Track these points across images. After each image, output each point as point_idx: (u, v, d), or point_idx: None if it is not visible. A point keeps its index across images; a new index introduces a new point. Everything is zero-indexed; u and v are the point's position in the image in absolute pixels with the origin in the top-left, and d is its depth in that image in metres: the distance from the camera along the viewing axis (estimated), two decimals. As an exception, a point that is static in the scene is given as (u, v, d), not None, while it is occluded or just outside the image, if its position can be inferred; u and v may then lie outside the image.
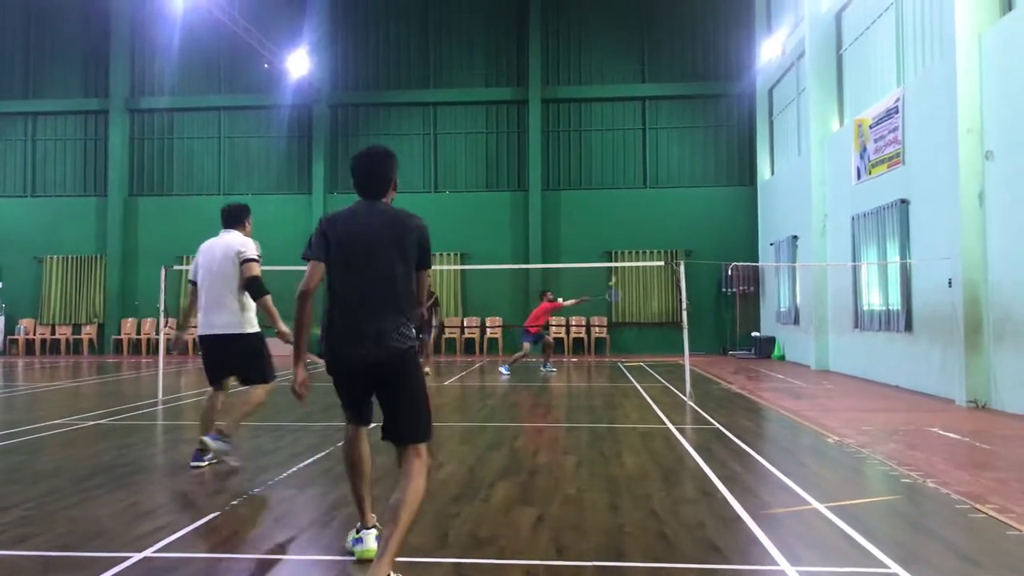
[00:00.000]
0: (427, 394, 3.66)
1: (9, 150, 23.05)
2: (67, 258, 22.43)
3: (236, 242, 5.97)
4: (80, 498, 5.06)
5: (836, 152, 15.12)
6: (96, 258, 22.43)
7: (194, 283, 6.10)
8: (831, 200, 15.43)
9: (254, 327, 5.98)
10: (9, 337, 21.98)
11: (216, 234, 6.16)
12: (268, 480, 5.54)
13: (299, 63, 20.30)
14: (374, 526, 3.86)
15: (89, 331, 22.07)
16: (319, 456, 6.48)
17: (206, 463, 5.94)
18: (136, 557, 3.84)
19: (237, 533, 4.32)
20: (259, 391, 5.97)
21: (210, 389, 6.12)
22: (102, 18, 22.59)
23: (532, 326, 15.21)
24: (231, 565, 3.85)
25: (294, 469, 5.95)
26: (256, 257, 5.96)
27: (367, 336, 3.53)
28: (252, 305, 5.96)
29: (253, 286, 5.86)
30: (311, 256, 3.75)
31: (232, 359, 5.96)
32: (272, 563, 3.85)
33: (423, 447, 3.54)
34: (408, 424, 3.55)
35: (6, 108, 22.88)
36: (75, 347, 22.05)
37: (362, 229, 3.77)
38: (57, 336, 22.09)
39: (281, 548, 4.09)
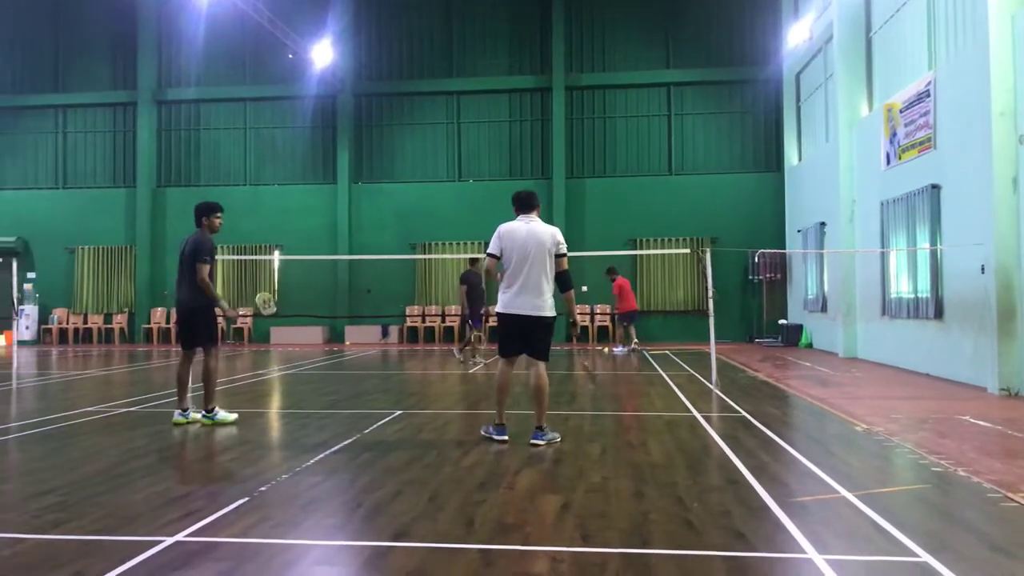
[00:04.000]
0: (205, 322, 7.57)
1: (41, 143, 23.43)
2: (98, 248, 22.79)
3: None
4: (113, 484, 5.16)
5: (865, 137, 14.89)
6: (126, 248, 22.77)
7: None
8: (860, 186, 15.21)
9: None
10: (43, 326, 22.42)
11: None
12: (296, 467, 5.61)
13: (323, 53, 20.38)
14: (188, 409, 7.61)
15: (120, 320, 22.45)
16: (346, 443, 6.54)
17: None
18: (168, 541, 3.91)
19: (266, 519, 4.37)
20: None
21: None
22: (129, 11, 22.84)
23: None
24: (260, 550, 3.90)
25: (321, 456, 6.01)
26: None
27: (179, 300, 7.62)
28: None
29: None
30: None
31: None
32: (301, 548, 3.90)
33: (212, 349, 7.59)
34: (202, 339, 7.56)
35: (37, 101, 23.26)
36: (107, 336, 22.44)
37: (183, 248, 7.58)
38: (89, 325, 22.49)
39: (309, 533, 4.14)
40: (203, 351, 7.58)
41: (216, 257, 7.69)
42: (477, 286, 14.03)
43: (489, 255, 6.48)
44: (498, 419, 6.63)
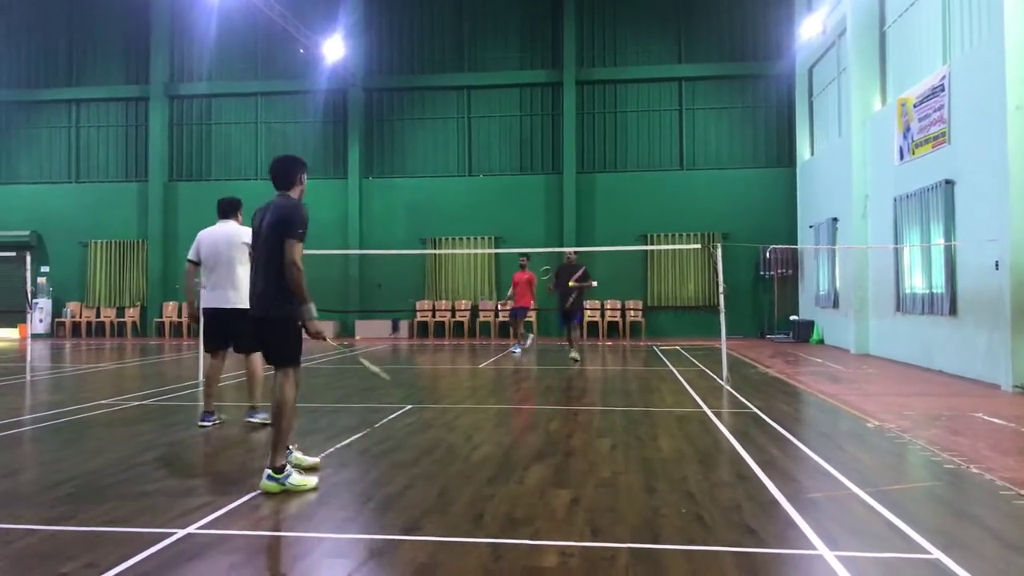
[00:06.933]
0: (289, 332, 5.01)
1: (55, 137, 23.56)
2: (111, 243, 22.92)
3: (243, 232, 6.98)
4: (126, 476, 5.20)
5: (878, 132, 14.79)
6: (138, 242, 22.88)
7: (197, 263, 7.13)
8: (873, 181, 15.10)
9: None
10: (57, 319, 22.58)
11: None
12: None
13: (334, 48, 20.38)
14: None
15: (132, 314, 22.57)
16: (356, 437, 6.56)
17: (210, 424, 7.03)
18: (180, 533, 3.94)
19: (277, 511, 4.40)
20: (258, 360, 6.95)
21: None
22: (142, 6, 22.91)
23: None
24: (272, 542, 3.93)
25: (331, 450, 6.03)
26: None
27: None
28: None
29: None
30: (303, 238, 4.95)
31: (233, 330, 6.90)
32: (312, 541, 3.92)
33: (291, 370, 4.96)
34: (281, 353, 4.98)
35: (51, 96, 23.37)
36: (119, 329, 22.57)
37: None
38: (102, 319, 22.63)
39: (320, 526, 4.15)
40: (279, 372, 4.99)
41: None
42: (565, 281, 13.38)
43: (188, 260, 7.11)
44: (206, 407, 7.06)
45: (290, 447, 5.07)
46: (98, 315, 22.70)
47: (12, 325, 21.67)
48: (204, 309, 7.02)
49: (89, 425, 7.25)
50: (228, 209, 7.14)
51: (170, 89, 23.05)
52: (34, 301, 21.85)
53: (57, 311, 22.71)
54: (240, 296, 6.80)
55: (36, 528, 4.04)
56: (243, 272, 6.82)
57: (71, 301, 22.85)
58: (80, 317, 22.65)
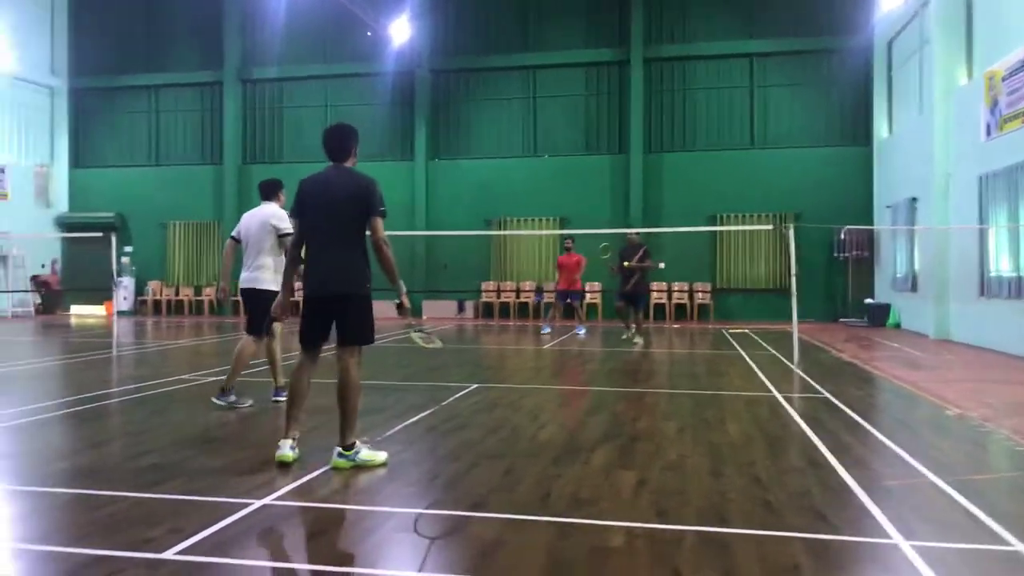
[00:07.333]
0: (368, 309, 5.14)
1: (136, 122, 24.44)
2: (188, 223, 23.73)
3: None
4: (205, 448, 5.42)
5: (963, 107, 14.12)
6: (214, 224, 23.62)
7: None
8: (956, 159, 14.45)
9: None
10: (139, 298, 23.56)
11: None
12: (376, 436, 5.75)
13: (401, 30, 20.52)
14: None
15: (209, 292, 23.37)
16: (424, 415, 6.67)
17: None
18: (256, 504, 4.08)
19: (348, 486, 4.52)
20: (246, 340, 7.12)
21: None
22: (216, -8, 23.51)
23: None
24: (343, 515, 4.04)
25: (400, 427, 6.15)
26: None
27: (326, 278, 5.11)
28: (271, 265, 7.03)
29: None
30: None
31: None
32: (382, 515, 4.01)
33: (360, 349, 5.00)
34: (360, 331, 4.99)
35: (132, 81, 24.22)
36: (197, 307, 23.41)
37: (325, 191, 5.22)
38: (181, 297, 23.50)
39: (389, 501, 4.25)
40: (349, 352, 4.98)
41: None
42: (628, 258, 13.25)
43: (231, 237, 7.35)
44: (276, 384, 7.31)
45: (291, 436, 4.95)
46: (177, 293, 23.58)
47: (99, 303, 22.69)
48: (239, 289, 7.23)
49: (170, 399, 7.56)
50: (268, 191, 7.25)
51: (243, 73, 23.61)
52: (118, 280, 22.86)
53: (139, 290, 23.68)
54: (255, 277, 7.00)
55: (123, 495, 4.25)
56: (265, 255, 7.01)
57: (152, 280, 23.79)
58: (160, 295, 23.57)
